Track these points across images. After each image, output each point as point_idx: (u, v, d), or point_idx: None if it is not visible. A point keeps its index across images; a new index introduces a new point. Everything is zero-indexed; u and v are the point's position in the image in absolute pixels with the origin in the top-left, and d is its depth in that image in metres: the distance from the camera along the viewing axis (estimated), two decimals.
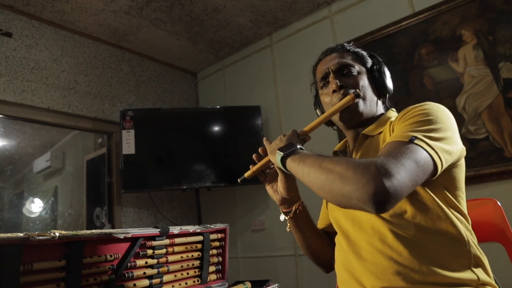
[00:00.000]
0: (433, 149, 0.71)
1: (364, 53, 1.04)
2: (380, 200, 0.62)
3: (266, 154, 0.98)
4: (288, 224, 1.05)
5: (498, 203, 1.05)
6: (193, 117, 2.62)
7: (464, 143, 0.81)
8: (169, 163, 2.44)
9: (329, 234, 1.10)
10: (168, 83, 3.00)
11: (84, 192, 2.65)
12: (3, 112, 2.07)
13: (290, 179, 0.96)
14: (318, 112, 1.11)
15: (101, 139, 2.65)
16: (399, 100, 2.04)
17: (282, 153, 0.85)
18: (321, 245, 1.07)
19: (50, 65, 2.28)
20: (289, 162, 0.83)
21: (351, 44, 1.05)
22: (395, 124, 0.85)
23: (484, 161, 1.75)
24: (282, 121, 2.62)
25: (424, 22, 2.02)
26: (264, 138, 1.00)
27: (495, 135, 1.75)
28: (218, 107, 2.65)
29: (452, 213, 0.79)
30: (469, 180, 1.81)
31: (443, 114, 0.80)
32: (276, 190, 1.01)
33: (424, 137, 0.72)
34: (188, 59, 2.99)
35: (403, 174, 0.64)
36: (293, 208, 1.01)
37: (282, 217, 1.05)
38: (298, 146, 0.86)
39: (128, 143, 2.32)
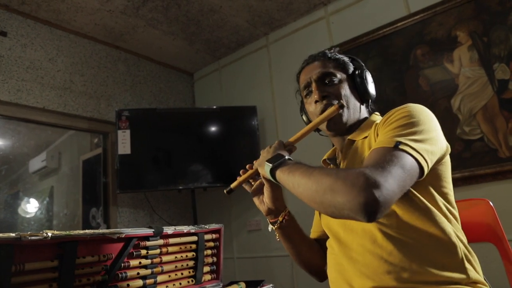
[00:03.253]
0: (417, 152, 0.73)
1: (346, 59, 1.04)
2: (371, 210, 0.63)
3: (252, 168, 0.99)
4: (277, 234, 1.06)
5: (490, 203, 1.06)
6: (189, 117, 2.61)
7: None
8: (165, 163, 2.43)
9: (322, 242, 1.09)
10: (164, 83, 3.00)
11: (80, 192, 2.64)
12: None
13: (276, 189, 0.97)
14: (304, 118, 1.12)
15: (97, 139, 2.64)
16: (395, 100, 2.05)
17: (271, 165, 0.85)
18: (311, 254, 1.07)
19: (45, 64, 2.27)
20: (279, 174, 0.83)
21: (332, 51, 1.06)
22: (379, 128, 0.86)
23: (479, 161, 1.76)
24: (278, 121, 2.62)
25: (419, 23, 2.02)
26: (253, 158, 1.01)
27: (490, 135, 1.76)
28: (214, 107, 2.65)
29: (440, 212, 0.80)
30: (464, 181, 1.83)
31: (424, 116, 0.81)
32: (262, 201, 1.02)
33: (408, 141, 0.74)
34: (184, 59, 2.99)
35: (391, 182, 0.66)
36: (279, 219, 1.02)
37: (270, 227, 1.05)
38: (286, 157, 0.86)
39: (124, 143, 2.32)
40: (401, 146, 0.72)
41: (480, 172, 1.74)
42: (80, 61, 2.46)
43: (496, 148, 1.73)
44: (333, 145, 1.08)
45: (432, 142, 0.77)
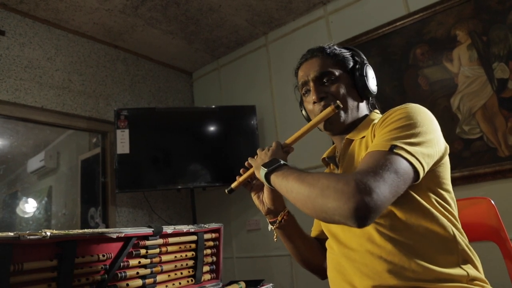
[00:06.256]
0: (413, 155, 0.72)
1: (346, 54, 1.01)
2: (361, 216, 0.64)
3: (251, 166, 0.99)
4: (275, 234, 1.06)
5: (492, 201, 1.06)
6: (188, 116, 2.61)
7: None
8: (164, 163, 2.43)
9: (322, 241, 1.09)
10: (163, 82, 2.99)
11: (79, 192, 2.63)
12: None
13: (275, 190, 0.97)
14: (304, 113, 1.10)
15: (95, 138, 2.63)
16: (394, 99, 2.04)
17: (266, 169, 0.86)
18: (312, 253, 1.07)
19: (43, 63, 2.26)
20: (273, 178, 0.84)
21: (332, 45, 1.02)
22: (376, 129, 0.85)
23: (478, 161, 1.76)
24: (277, 120, 2.61)
25: (419, 22, 2.02)
26: (253, 156, 1.00)
27: (489, 135, 1.76)
28: (213, 106, 2.64)
29: (438, 211, 0.80)
30: (463, 180, 1.82)
31: (422, 117, 0.80)
32: (262, 201, 1.02)
33: (404, 144, 0.72)
34: (183, 58, 2.98)
35: (382, 188, 0.66)
36: (278, 218, 1.02)
37: (270, 227, 1.06)
38: (282, 162, 0.86)
39: (123, 143, 2.31)
40: (396, 150, 0.71)
41: (480, 171, 1.74)
42: (79, 60, 2.45)
43: (496, 147, 1.73)
44: (333, 143, 1.07)
45: (429, 145, 0.76)
